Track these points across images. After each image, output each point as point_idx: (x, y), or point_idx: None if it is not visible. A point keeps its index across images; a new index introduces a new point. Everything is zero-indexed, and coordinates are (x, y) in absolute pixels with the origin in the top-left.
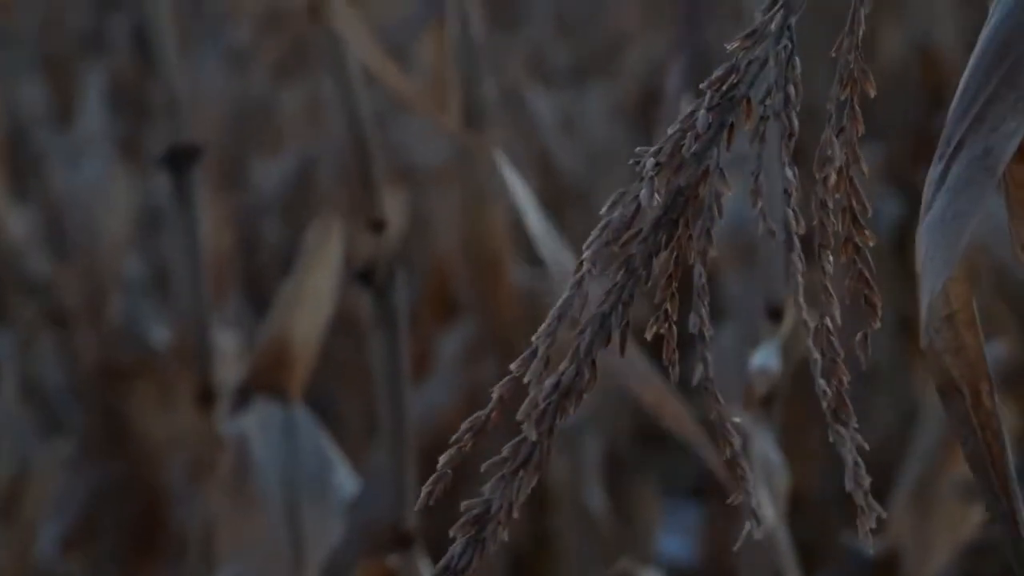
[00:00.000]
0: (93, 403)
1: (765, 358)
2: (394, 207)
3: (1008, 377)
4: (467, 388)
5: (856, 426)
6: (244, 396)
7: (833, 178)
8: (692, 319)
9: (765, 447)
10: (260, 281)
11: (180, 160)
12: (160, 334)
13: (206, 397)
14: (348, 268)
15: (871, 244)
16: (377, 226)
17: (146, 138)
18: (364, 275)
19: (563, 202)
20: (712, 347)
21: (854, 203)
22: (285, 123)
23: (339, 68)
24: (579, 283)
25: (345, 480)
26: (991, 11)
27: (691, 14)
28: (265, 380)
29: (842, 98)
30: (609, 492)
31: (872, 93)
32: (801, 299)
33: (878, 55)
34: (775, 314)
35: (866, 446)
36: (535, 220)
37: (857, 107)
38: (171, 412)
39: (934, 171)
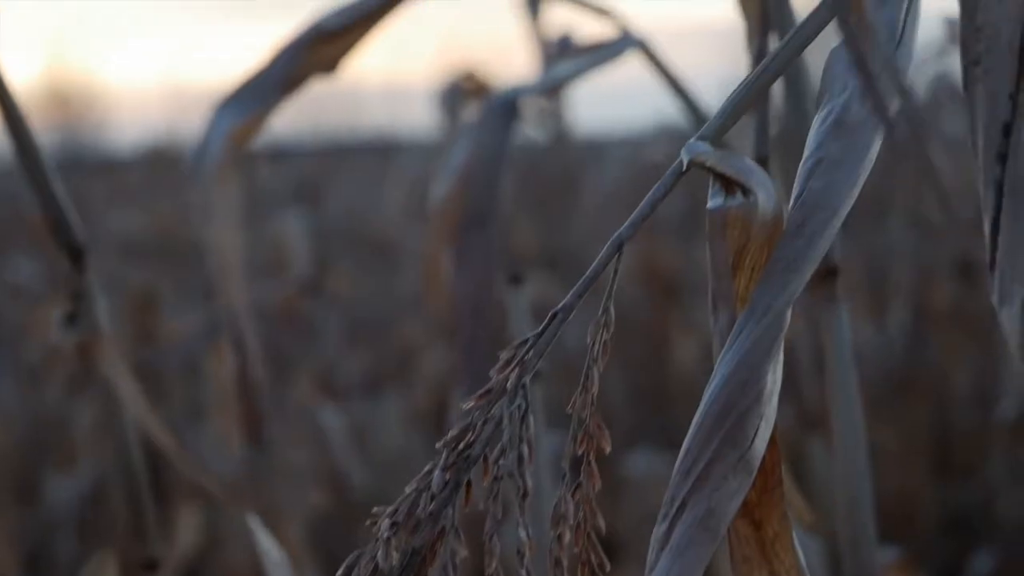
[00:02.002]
0: None
1: None
2: (188, 522)
3: None
4: None
5: None
6: None
7: (568, 535)
8: None
9: None
10: None
11: None
12: None
13: None
14: None
15: None
16: (149, 566)
17: None
18: None
19: (355, 515)
20: None
21: (592, 558)
22: (79, 438)
23: (110, 410)
24: None
25: None
26: (715, 371)
27: (471, 343)
28: None
29: (578, 454)
30: None
31: (607, 449)
32: None
33: (671, 360)
34: None
35: None
36: None
37: (594, 463)
38: None
39: (658, 531)
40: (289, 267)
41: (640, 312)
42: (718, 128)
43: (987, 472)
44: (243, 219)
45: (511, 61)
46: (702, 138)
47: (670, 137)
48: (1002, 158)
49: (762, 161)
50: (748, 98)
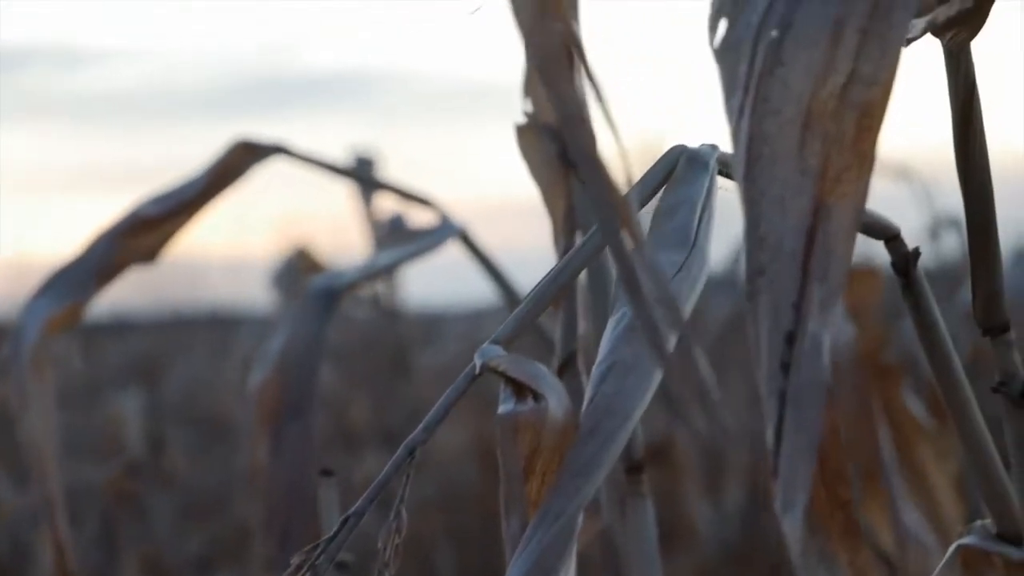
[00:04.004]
0: None
1: None
2: None
3: None
4: None
5: None
6: None
7: None
8: None
9: None
10: None
11: None
12: None
13: None
14: None
15: None
16: None
17: None
18: None
19: None
20: None
21: None
22: None
23: None
24: None
25: None
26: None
27: (284, 533)
28: None
29: None
30: None
31: None
32: None
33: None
34: None
35: None
36: None
37: None
38: None
39: None
40: (124, 446)
41: (473, 488)
42: (511, 332)
43: None
44: (79, 397)
45: (347, 239)
46: (495, 342)
47: (507, 313)
48: (785, 368)
49: (570, 357)
50: (542, 303)
